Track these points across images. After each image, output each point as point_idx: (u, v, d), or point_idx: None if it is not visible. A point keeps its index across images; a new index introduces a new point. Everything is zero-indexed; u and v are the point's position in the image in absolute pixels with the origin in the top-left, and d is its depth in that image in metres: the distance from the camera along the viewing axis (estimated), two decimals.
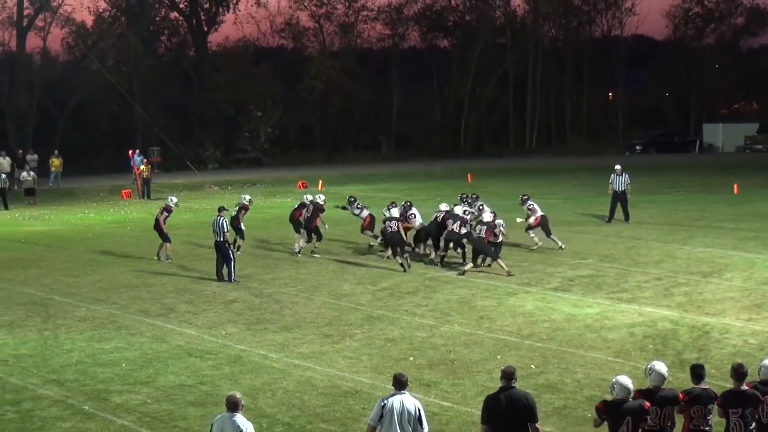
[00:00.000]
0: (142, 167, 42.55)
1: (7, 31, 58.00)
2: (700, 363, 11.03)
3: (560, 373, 15.17)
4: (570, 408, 13.62)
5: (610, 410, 10.11)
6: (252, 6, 66.17)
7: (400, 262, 23.67)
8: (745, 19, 74.47)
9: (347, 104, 66.55)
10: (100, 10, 61.22)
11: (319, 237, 26.14)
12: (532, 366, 15.49)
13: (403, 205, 26.10)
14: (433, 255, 24.89)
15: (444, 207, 25.13)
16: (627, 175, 30.69)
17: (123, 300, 21.05)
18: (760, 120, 68.86)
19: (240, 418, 9.99)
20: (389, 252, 24.84)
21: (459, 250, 24.02)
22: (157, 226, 25.91)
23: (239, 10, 66.21)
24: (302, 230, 26.29)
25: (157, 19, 65.18)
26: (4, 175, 40.88)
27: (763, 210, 33.15)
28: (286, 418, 13.43)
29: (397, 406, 10.29)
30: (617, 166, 31.21)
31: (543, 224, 26.11)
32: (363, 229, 27.10)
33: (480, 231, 23.20)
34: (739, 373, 10.46)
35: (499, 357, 16.01)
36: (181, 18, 65.30)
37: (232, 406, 10.04)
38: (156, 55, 65.47)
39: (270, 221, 32.52)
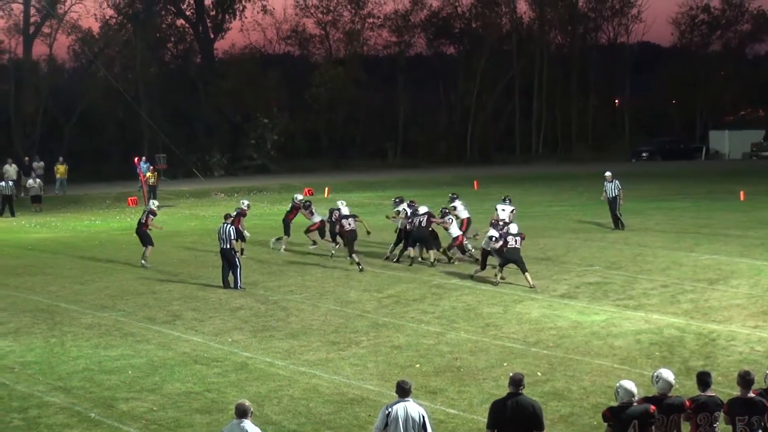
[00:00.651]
0: (148, 174, 42.59)
1: (13, 38, 58.26)
2: (707, 370, 10.99)
3: (566, 381, 15.14)
4: (576, 415, 13.59)
5: (615, 415, 10.10)
6: (258, 13, 66.29)
7: (354, 260, 24.59)
8: (751, 26, 74.52)
9: (353, 111, 66.62)
10: (107, 17, 61.51)
11: (287, 233, 27.92)
12: (539, 373, 15.46)
13: (403, 204, 26.68)
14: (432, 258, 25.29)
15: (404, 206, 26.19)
16: (617, 182, 30.76)
17: (129, 307, 21.07)
18: (766, 127, 68.89)
19: (248, 424, 10.03)
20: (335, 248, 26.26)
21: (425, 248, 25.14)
22: (140, 230, 25.98)
23: (245, 17, 66.30)
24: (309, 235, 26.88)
25: (164, 26, 65.34)
26: (10, 183, 41.03)
27: None
28: (292, 425, 13.43)
29: (401, 413, 10.29)
30: (607, 173, 31.38)
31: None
32: (306, 232, 28.16)
33: (422, 221, 24.73)
34: (745, 380, 10.43)
35: (505, 364, 15.98)
36: (187, 25, 65.42)
37: (242, 413, 10.08)
38: (162, 62, 65.64)
39: (276, 228, 32.36)
